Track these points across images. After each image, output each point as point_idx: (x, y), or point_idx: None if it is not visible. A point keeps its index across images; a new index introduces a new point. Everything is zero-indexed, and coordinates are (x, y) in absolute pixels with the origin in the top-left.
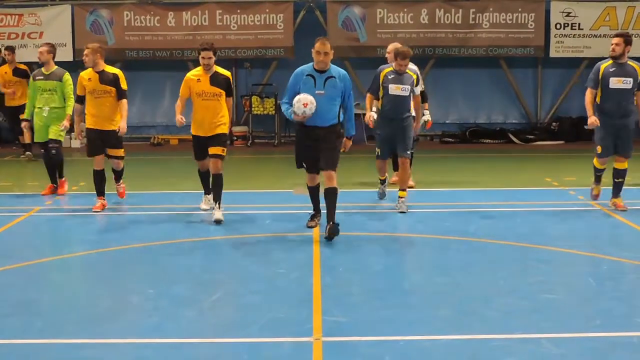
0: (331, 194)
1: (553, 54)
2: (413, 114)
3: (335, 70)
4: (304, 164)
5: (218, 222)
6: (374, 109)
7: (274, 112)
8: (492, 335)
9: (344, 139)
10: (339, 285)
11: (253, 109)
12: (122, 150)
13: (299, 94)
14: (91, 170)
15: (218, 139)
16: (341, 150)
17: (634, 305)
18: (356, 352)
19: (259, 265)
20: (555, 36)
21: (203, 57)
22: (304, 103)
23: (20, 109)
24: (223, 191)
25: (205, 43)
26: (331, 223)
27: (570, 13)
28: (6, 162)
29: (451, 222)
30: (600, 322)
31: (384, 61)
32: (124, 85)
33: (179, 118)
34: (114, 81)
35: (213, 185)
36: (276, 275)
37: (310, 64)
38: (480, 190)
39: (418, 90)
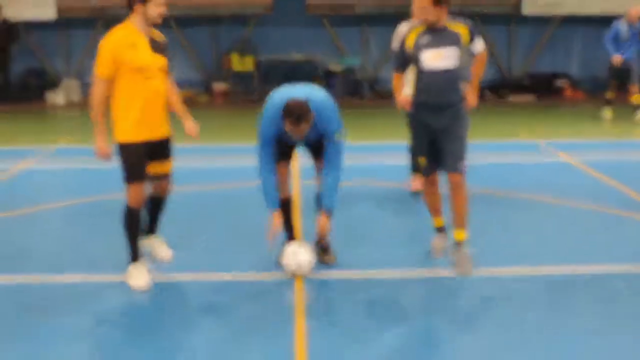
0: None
1: (526, 10)
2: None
3: (317, 114)
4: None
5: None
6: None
7: (252, 69)
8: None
9: (321, 214)
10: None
11: (233, 65)
12: None
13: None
14: (75, 123)
15: (168, 147)
16: (320, 238)
17: (589, 242)
18: (333, 287)
19: (245, 209)
20: None
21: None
22: (292, 271)
23: None
24: None
25: None
26: (322, 244)
27: None
28: None
29: None
30: (561, 259)
31: (359, 19)
32: None
33: (102, 147)
34: None
35: (157, 212)
36: (262, 219)
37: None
38: None
39: (479, 46)
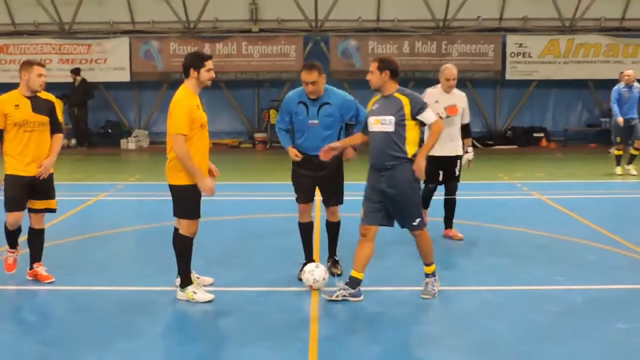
0: (334, 227)
1: (508, 76)
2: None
3: (333, 94)
4: (296, 196)
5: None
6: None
7: None
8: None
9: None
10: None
11: (271, 119)
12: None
13: (292, 121)
14: (143, 165)
15: None
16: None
17: (555, 264)
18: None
19: (274, 236)
20: (510, 63)
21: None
22: (309, 285)
23: None
24: None
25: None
26: (333, 259)
27: (522, 44)
28: (78, 159)
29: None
30: (531, 279)
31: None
32: (60, 115)
33: (210, 184)
34: (50, 110)
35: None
36: (287, 243)
37: (303, 88)
38: None
39: (429, 117)
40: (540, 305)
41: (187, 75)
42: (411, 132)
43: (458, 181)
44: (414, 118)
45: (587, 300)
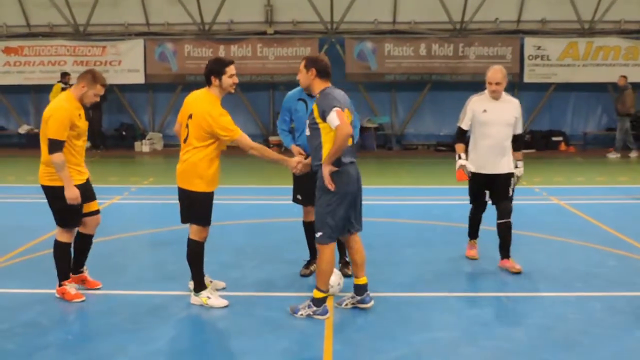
0: None
1: (526, 79)
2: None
3: None
4: (298, 197)
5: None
6: (463, 156)
7: None
8: (461, 293)
9: None
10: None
11: None
12: None
13: (292, 119)
14: (157, 168)
15: None
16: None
17: (573, 271)
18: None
19: (288, 240)
20: (528, 65)
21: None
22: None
23: None
24: None
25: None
26: (344, 260)
27: (540, 47)
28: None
29: (440, 210)
30: (549, 285)
31: (389, 86)
32: None
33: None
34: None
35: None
36: (301, 248)
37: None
38: (466, 187)
39: (332, 121)
40: (558, 312)
41: (209, 83)
42: (328, 136)
43: (511, 202)
44: (325, 120)
45: (606, 308)
